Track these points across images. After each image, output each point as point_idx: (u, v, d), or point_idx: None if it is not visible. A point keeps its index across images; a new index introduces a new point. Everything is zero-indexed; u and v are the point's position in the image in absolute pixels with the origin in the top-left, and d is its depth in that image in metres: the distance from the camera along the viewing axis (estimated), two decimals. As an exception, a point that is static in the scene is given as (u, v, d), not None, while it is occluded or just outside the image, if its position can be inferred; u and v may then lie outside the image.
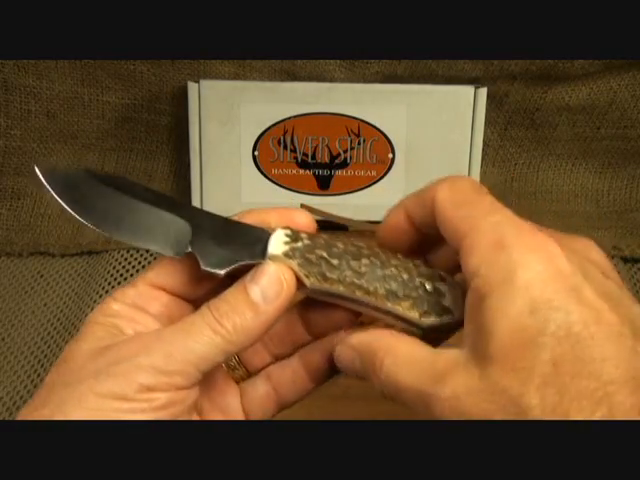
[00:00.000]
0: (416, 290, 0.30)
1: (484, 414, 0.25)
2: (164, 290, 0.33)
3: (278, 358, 0.35)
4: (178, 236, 0.31)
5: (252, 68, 0.67)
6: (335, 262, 0.30)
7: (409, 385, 0.28)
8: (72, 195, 0.31)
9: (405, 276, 0.30)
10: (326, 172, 0.67)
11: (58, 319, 0.63)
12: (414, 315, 0.30)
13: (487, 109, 0.65)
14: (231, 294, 0.30)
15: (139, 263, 0.67)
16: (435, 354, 0.28)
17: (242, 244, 0.31)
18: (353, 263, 0.30)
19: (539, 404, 0.24)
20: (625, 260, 0.69)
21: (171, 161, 0.72)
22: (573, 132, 0.71)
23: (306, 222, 0.32)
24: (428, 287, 0.30)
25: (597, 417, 0.23)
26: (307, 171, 0.67)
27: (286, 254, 0.30)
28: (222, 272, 0.30)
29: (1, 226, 0.69)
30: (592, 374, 0.24)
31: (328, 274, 0.30)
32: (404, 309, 0.30)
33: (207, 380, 0.33)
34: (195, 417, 0.33)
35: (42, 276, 0.67)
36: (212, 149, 0.66)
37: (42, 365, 0.59)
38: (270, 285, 0.30)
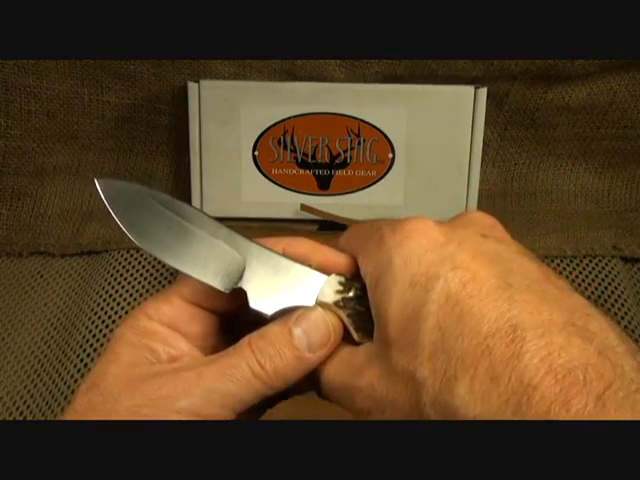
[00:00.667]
0: None
1: (394, 396, 0.26)
2: (199, 306, 0.32)
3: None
4: (230, 270, 0.31)
5: (252, 68, 0.67)
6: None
7: (335, 381, 0.29)
8: (132, 216, 0.30)
9: None
10: (326, 172, 0.67)
11: (58, 319, 0.63)
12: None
13: (487, 109, 0.65)
14: (275, 335, 0.29)
15: (139, 263, 0.67)
16: (354, 350, 0.29)
17: (294, 286, 0.30)
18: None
19: (431, 373, 0.25)
20: (625, 260, 0.69)
21: (171, 161, 0.72)
22: (573, 132, 0.71)
23: (347, 266, 0.32)
24: None
25: (479, 372, 0.23)
26: (307, 171, 0.67)
27: (337, 303, 0.30)
28: (269, 313, 0.30)
29: (1, 226, 0.69)
30: (472, 330, 0.24)
31: (370, 327, 0.29)
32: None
33: None
34: None
35: (42, 276, 0.67)
36: (212, 149, 0.66)
37: (42, 365, 0.59)
38: (317, 333, 0.29)
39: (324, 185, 0.67)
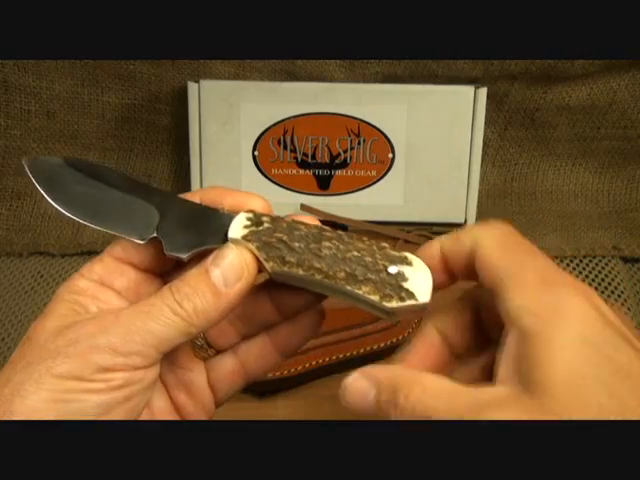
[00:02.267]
0: (377, 273, 0.30)
1: None
2: (131, 265, 0.33)
3: (247, 337, 0.35)
4: (145, 221, 0.32)
5: (252, 68, 0.67)
6: (295, 245, 0.30)
7: (445, 415, 0.26)
8: (55, 187, 0.32)
9: (368, 259, 0.30)
10: (326, 172, 0.67)
11: (58, 319, 0.63)
12: (374, 298, 0.29)
13: (487, 109, 0.65)
14: (192, 276, 0.30)
15: (139, 263, 0.67)
16: (471, 387, 0.27)
17: (206, 229, 0.31)
18: (313, 246, 0.30)
19: None
20: (625, 260, 0.69)
21: (171, 161, 0.72)
22: (573, 132, 0.71)
23: (262, 207, 0.32)
24: (391, 270, 0.30)
25: None
26: (307, 171, 0.67)
27: (245, 237, 0.30)
28: (185, 256, 0.31)
29: (1, 226, 0.69)
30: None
31: (287, 257, 0.30)
32: (364, 292, 0.30)
33: (171, 357, 0.33)
34: (158, 394, 0.33)
35: (42, 276, 0.67)
36: (212, 149, 0.66)
37: (42, 365, 0.59)
38: (231, 268, 0.30)
39: (324, 185, 0.67)
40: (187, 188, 0.69)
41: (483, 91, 0.65)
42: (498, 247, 0.30)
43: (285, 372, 0.52)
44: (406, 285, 0.29)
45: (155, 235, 0.32)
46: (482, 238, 0.30)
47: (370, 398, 0.29)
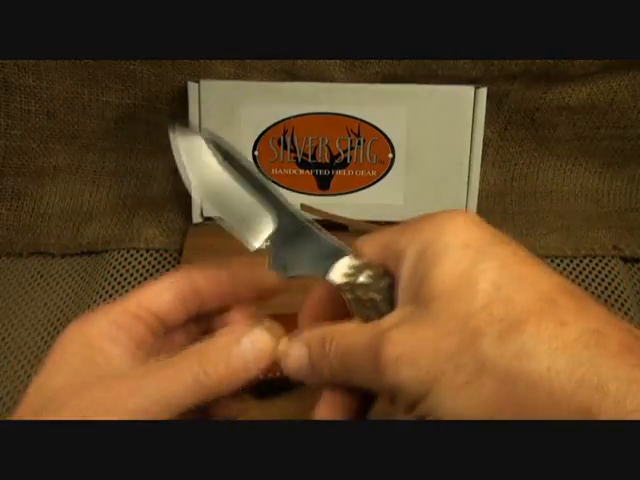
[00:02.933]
0: None
1: (434, 347, 0.26)
2: (151, 314, 0.33)
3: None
4: (260, 229, 0.33)
5: (252, 68, 0.67)
6: (381, 306, 0.31)
7: (357, 351, 0.29)
8: (191, 158, 0.33)
9: None
10: (326, 172, 0.67)
11: (58, 319, 0.63)
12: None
13: (487, 109, 0.65)
14: (222, 344, 0.31)
15: (139, 263, 0.67)
16: (377, 321, 0.30)
17: (310, 253, 0.32)
18: (389, 303, 0.31)
19: (487, 322, 0.25)
20: (625, 260, 0.69)
21: (171, 161, 0.72)
22: (573, 132, 0.71)
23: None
24: None
25: (545, 319, 0.25)
26: (307, 171, 0.67)
27: (341, 287, 0.31)
28: (285, 277, 0.32)
29: (1, 226, 0.69)
30: (532, 287, 0.26)
31: (372, 316, 0.30)
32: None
33: None
34: None
35: (42, 276, 0.67)
36: (212, 149, 0.66)
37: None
38: (261, 350, 0.31)
39: (324, 185, 0.67)
40: (187, 188, 0.69)
41: (483, 91, 0.65)
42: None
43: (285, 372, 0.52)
44: None
45: (265, 246, 0.32)
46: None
47: (305, 360, 0.31)
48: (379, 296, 0.31)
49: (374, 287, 0.31)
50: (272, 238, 0.32)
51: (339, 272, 0.31)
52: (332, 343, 0.30)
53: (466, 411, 0.25)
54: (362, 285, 0.31)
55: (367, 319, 0.30)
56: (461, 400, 0.25)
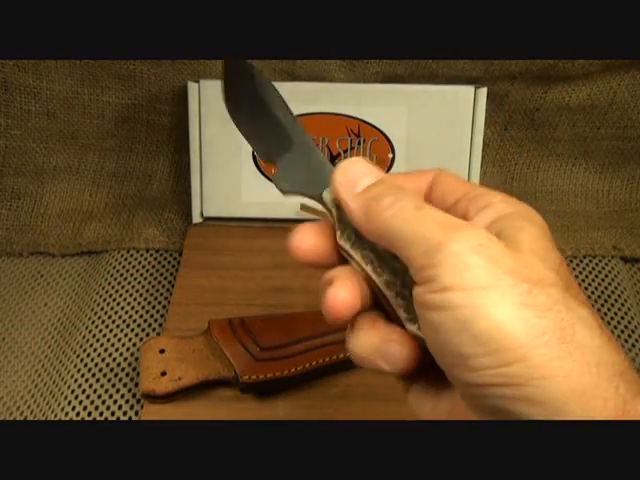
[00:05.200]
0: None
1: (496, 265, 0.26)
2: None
3: None
4: (274, 146, 0.35)
5: (252, 68, 0.67)
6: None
7: (422, 232, 0.27)
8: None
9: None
10: (326, 172, 0.67)
11: (58, 319, 0.63)
12: (402, 314, 0.30)
13: (487, 109, 0.65)
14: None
15: (139, 263, 0.67)
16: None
17: (311, 181, 0.33)
18: (379, 247, 0.31)
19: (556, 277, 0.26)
20: (625, 260, 0.69)
21: (171, 161, 0.72)
22: (573, 132, 0.71)
23: None
24: None
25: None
26: (307, 171, 0.67)
27: (334, 201, 0.32)
28: (284, 191, 0.34)
29: (1, 226, 0.69)
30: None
31: (354, 238, 0.31)
32: (396, 304, 0.30)
33: None
34: None
35: (42, 276, 0.67)
36: (212, 149, 0.66)
37: (42, 365, 0.59)
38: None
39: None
40: (187, 188, 0.69)
41: (483, 91, 0.65)
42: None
43: (285, 372, 0.52)
44: None
45: (273, 160, 0.34)
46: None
47: (364, 182, 0.30)
48: None
49: None
50: (282, 161, 0.34)
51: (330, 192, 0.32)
52: (404, 197, 0.29)
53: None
54: None
55: (350, 239, 0.31)
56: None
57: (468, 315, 0.25)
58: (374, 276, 0.30)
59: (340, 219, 0.32)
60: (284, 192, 0.34)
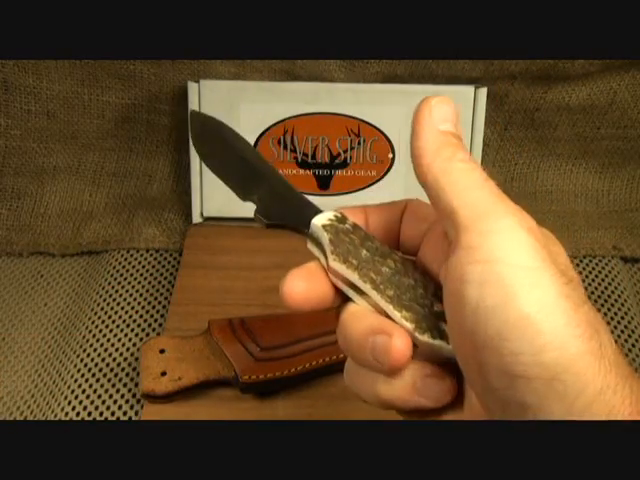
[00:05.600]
0: (423, 306, 0.30)
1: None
2: None
3: None
4: (249, 186, 0.36)
5: (252, 68, 0.67)
6: (363, 252, 0.31)
7: (481, 199, 0.27)
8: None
9: (420, 291, 0.30)
10: (326, 172, 0.67)
11: (58, 319, 0.63)
12: (409, 325, 0.29)
13: (487, 109, 0.65)
14: None
15: (139, 263, 0.67)
16: None
17: (295, 212, 0.34)
18: (378, 259, 0.31)
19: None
20: (625, 260, 0.69)
21: (171, 161, 0.72)
22: (573, 132, 0.71)
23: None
24: (436, 308, 0.29)
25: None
26: (307, 171, 0.67)
27: (324, 226, 0.32)
28: (266, 223, 0.34)
29: (1, 226, 0.69)
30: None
31: (350, 258, 0.30)
32: (402, 316, 0.29)
33: None
34: None
35: (42, 276, 0.67)
36: (212, 149, 0.66)
37: (42, 365, 0.59)
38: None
39: (324, 185, 0.67)
40: (187, 188, 0.69)
41: (483, 91, 0.65)
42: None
43: (285, 372, 0.52)
44: (443, 327, 0.29)
45: (252, 198, 0.35)
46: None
47: (446, 125, 0.31)
48: (358, 240, 0.31)
49: (355, 233, 0.32)
50: (260, 195, 0.35)
51: (322, 218, 0.32)
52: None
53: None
54: (344, 228, 0.32)
55: (345, 259, 0.30)
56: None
57: (510, 294, 0.24)
58: (376, 294, 0.30)
59: (332, 241, 0.31)
60: (267, 225, 0.34)
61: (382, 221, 0.33)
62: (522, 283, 0.24)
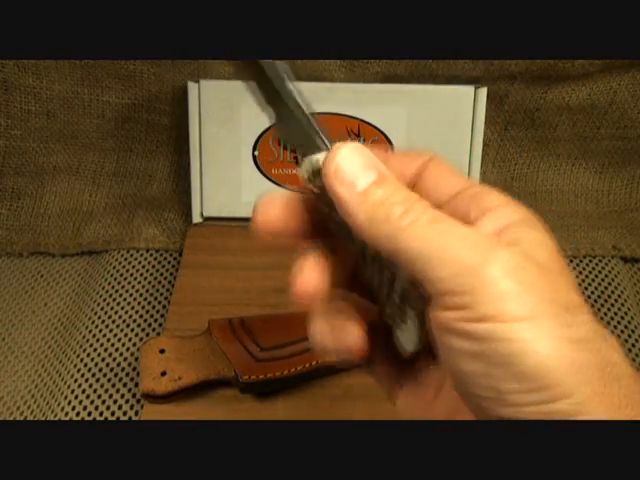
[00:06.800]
0: (387, 296, 0.29)
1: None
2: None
3: None
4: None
5: (252, 68, 0.67)
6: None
7: (449, 253, 0.24)
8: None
9: (386, 276, 0.28)
10: (326, 172, 0.67)
11: (58, 319, 0.63)
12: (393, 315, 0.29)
13: (487, 109, 0.65)
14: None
15: (139, 263, 0.67)
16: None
17: (308, 144, 0.32)
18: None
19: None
20: (625, 260, 0.69)
21: (171, 161, 0.72)
22: (573, 132, 0.71)
23: None
24: (395, 298, 0.29)
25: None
26: (307, 171, 0.67)
27: (310, 178, 0.29)
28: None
29: (1, 226, 0.69)
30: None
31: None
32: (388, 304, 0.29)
33: None
34: None
35: (42, 276, 0.67)
36: (212, 149, 0.66)
37: (42, 365, 0.59)
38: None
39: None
40: (187, 188, 0.69)
41: (483, 91, 0.65)
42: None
43: (285, 372, 0.52)
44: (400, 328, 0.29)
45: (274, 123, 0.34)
46: None
47: (364, 179, 0.26)
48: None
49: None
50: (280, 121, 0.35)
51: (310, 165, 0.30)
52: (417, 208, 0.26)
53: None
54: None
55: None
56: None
57: (512, 350, 0.23)
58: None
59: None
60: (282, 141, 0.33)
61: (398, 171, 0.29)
62: (521, 338, 0.23)
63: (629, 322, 0.62)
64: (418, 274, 0.25)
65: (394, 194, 0.26)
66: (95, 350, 0.58)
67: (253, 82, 0.36)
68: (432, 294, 0.25)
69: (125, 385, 0.55)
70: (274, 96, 0.35)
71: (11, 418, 0.55)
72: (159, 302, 0.63)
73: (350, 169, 0.27)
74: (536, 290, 0.24)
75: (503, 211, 0.28)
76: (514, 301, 0.23)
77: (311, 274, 0.28)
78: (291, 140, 0.33)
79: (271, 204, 0.29)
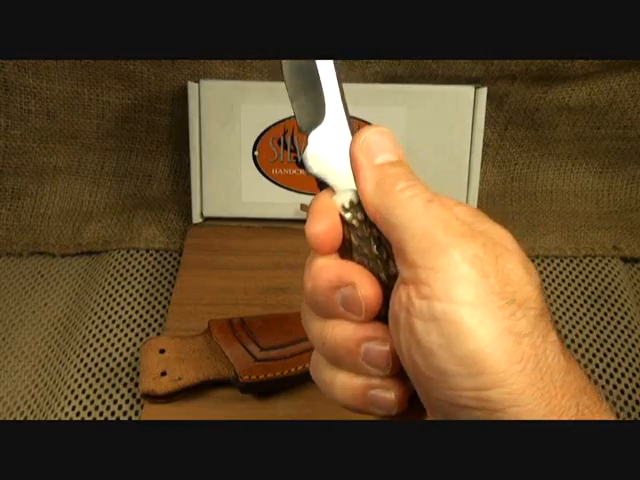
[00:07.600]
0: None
1: None
2: None
3: None
4: (314, 120, 0.36)
5: (252, 68, 0.67)
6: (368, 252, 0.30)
7: (428, 229, 0.27)
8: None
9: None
10: (326, 172, 0.67)
11: (58, 319, 0.63)
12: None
13: (487, 109, 0.65)
14: None
15: (139, 263, 0.67)
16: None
17: (343, 164, 0.33)
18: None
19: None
20: (625, 260, 0.69)
21: (171, 161, 0.72)
22: (573, 132, 0.71)
23: None
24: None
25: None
26: (307, 171, 0.67)
27: (347, 205, 0.31)
28: (310, 171, 0.35)
29: (1, 226, 0.69)
30: None
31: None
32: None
33: None
34: None
35: (42, 276, 0.67)
36: (212, 149, 0.66)
37: (42, 365, 0.59)
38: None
39: (324, 185, 0.67)
40: (187, 188, 0.69)
41: (483, 91, 0.65)
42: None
43: (285, 372, 0.52)
44: None
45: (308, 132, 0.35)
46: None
47: (385, 157, 0.31)
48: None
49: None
50: (314, 131, 0.36)
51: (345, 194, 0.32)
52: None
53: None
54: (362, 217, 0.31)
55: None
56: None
57: (454, 332, 0.25)
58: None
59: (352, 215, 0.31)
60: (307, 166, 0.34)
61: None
62: (464, 323, 0.25)
63: (629, 322, 0.62)
64: (399, 243, 0.27)
65: (404, 173, 0.30)
66: (95, 350, 0.58)
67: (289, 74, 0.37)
68: (402, 269, 0.27)
69: (125, 385, 0.55)
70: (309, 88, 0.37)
71: (11, 418, 0.55)
72: (159, 302, 0.63)
73: (375, 146, 0.31)
74: (489, 280, 0.25)
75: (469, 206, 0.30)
76: (465, 286, 0.25)
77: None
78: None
79: (324, 216, 0.32)
